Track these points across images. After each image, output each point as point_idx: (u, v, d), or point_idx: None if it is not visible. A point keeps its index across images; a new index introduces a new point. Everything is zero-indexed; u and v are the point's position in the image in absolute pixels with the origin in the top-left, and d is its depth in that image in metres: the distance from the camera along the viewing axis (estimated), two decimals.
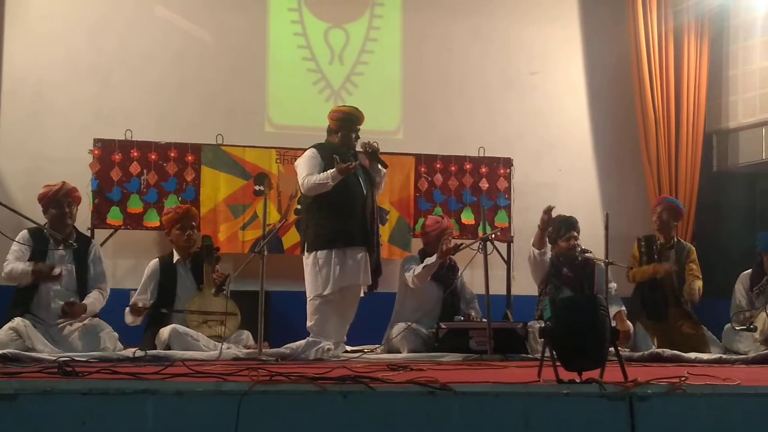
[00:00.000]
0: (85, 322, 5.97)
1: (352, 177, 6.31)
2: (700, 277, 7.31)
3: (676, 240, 7.45)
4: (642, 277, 7.24)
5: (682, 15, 9.05)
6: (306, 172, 6.26)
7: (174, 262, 6.39)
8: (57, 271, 5.87)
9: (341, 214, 6.25)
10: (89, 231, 7.35)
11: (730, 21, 9.10)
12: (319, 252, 6.26)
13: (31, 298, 5.96)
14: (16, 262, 5.98)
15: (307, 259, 6.32)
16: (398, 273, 7.02)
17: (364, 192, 6.37)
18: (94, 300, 6.14)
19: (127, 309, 6.19)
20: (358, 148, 6.47)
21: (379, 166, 6.49)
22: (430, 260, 6.75)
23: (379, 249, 6.61)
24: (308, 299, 6.29)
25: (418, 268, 6.78)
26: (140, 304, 6.17)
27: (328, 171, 6.14)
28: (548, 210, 6.86)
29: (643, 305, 7.21)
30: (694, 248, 7.47)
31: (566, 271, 7.04)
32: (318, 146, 6.44)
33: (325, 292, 6.22)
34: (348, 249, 6.25)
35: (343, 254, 6.24)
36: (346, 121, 6.46)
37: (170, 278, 6.31)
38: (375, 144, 6.47)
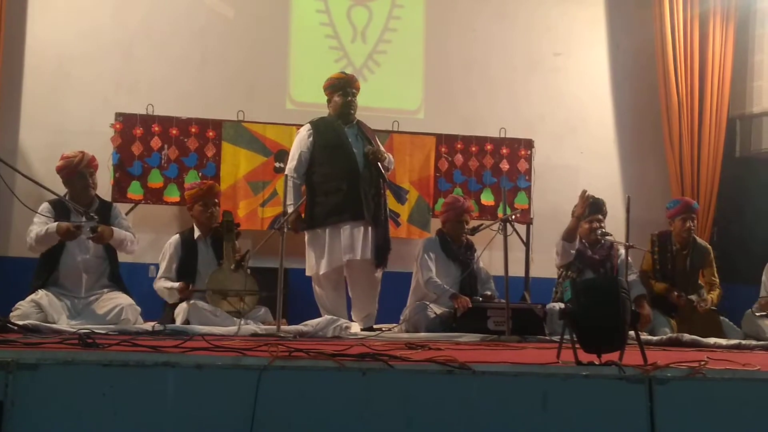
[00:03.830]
0: (111, 295, 5.89)
1: (343, 155, 6.36)
2: (717, 284, 7.16)
3: (692, 241, 7.19)
4: (655, 290, 7.11)
5: None
6: (290, 159, 6.47)
7: (195, 238, 6.33)
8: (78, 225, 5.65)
9: (330, 193, 6.33)
10: None
11: (756, 5, 9.02)
12: (312, 231, 6.38)
13: (56, 267, 5.82)
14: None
15: (306, 239, 6.45)
16: (416, 253, 7.00)
17: (360, 169, 6.39)
18: (123, 233, 5.94)
19: (173, 286, 6.07)
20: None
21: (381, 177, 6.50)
22: (448, 290, 6.65)
23: (387, 224, 6.55)
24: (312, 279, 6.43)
25: (435, 285, 6.69)
26: (190, 287, 6.07)
27: (294, 207, 6.14)
28: (584, 195, 6.81)
29: (653, 299, 7.13)
30: (711, 249, 7.28)
31: (590, 254, 6.99)
32: (313, 121, 6.58)
33: (321, 272, 6.32)
34: (342, 225, 6.30)
35: (336, 231, 6.30)
36: (333, 87, 6.58)
37: (191, 254, 6.27)
38: (378, 154, 6.42)
